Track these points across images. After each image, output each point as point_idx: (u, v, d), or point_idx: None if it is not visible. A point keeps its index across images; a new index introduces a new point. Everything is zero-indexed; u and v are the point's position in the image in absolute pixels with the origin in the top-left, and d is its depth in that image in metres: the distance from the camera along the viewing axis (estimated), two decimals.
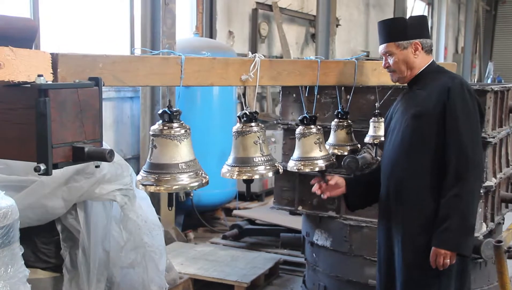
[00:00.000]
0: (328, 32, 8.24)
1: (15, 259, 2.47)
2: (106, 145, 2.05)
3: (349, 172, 3.40)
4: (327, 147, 2.90)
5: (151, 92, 5.76)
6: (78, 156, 1.60)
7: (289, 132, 3.87)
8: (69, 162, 1.60)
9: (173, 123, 1.96)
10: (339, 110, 3.04)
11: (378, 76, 3.09)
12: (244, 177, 2.24)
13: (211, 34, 7.76)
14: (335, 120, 3.05)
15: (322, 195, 2.85)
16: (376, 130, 3.23)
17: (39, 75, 1.51)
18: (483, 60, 21.05)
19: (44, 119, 1.49)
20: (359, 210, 3.07)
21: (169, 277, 3.88)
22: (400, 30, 2.62)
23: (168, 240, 5.23)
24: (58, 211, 3.07)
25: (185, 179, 1.92)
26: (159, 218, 3.84)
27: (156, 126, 1.98)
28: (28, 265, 2.67)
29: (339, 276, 3.80)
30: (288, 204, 3.99)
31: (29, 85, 1.53)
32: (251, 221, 6.09)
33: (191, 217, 6.30)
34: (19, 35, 1.58)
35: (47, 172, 1.53)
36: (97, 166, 1.70)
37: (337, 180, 2.85)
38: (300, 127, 2.71)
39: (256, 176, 2.25)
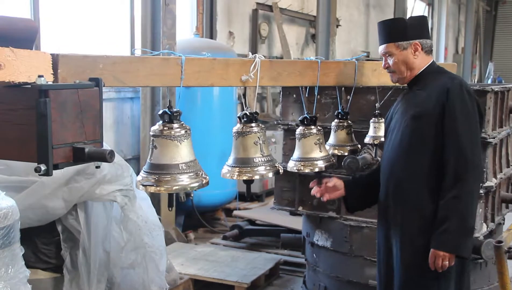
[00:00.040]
0: (328, 33, 8.23)
1: (16, 259, 2.47)
2: (107, 145, 2.05)
3: (349, 172, 3.40)
4: (327, 147, 2.90)
5: (151, 92, 5.76)
6: (78, 156, 1.60)
7: (289, 133, 3.87)
8: (69, 163, 1.61)
9: (174, 123, 1.96)
10: (339, 110, 3.04)
11: (378, 76, 3.10)
12: (244, 178, 2.25)
13: (212, 34, 7.76)
14: (335, 120, 3.05)
15: (321, 198, 2.85)
16: (376, 130, 3.23)
17: (40, 76, 1.51)
18: (483, 60, 21.04)
19: (44, 120, 1.49)
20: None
21: (169, 277, 3.88)
22: (400, 30, 2.61)
23: (169, 241, 5.23)
24: (58, 212, 3.08)
25: (185, 180, 1.93)
26: (160, 219, 3.84)
27: (157, 126, 1.98)
28: (28, 265, 2.67)
29: (340, 277, 3.79)
30: (289, 204, 3.99)
31: (29, 86, 1.53)
32: (251, 222, 6.08)
33: (192, 217, 6.30)
34: (20, 35, 1.58)
35: (47, 173, 1.53)
36: (97, 167, 1.71)
37: (335, 182, 2.84)
38: (300, 127, 2.71)
39: (256, 177, 2.25)
